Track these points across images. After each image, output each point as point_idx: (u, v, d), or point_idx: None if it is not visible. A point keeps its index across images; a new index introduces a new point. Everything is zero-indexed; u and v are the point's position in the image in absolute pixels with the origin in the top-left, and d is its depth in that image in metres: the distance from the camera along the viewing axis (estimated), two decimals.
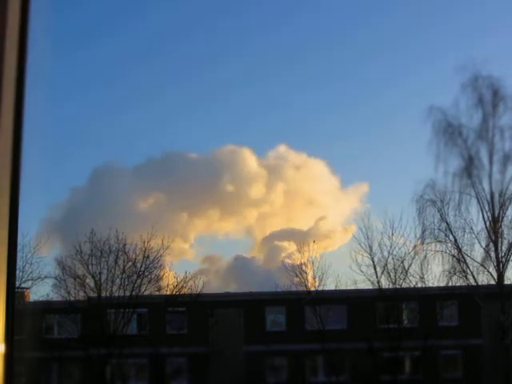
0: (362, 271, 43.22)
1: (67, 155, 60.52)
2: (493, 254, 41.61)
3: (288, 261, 46.85)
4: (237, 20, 67.57)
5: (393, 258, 43.25)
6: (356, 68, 68.90)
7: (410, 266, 42.80)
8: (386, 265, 43.26)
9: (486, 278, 41.65)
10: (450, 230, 42.05)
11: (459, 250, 41.80)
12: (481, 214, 41.75)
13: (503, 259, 41.61)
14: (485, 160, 41.45)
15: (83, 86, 66.12)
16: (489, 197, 41.50)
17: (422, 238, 42.36)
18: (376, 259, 43.43)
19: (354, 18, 67.91)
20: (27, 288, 41.81)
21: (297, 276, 44.64)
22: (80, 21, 59.64)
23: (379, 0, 65.72)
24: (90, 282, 43.09)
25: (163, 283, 44.25)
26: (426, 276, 42.54)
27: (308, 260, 45.18)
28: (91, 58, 64.80)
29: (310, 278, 44.92)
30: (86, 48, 64.38)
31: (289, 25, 68.10)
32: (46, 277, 42.48)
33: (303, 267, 44.93)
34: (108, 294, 43.02)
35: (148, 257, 43.38)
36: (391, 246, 43.40)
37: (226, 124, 67.15)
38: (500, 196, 41.59)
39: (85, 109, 64.78)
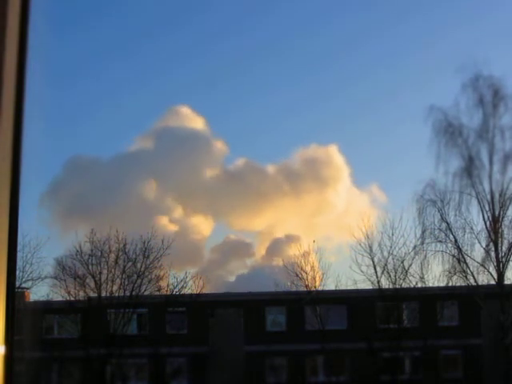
0: (362, 271, 43.25)
1: (69, 155, 60.68)
2: (493, 254, 41.60)
3: (288, 260, 46.73)
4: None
5: (393, 258, 43.26)
6: (356, 68, 68.93)
7: (410, 266, 42.81)
8: (386, 265, 43.25)
9: (486, 277, 41.67)
10: (451, 229, 42.05)
11: (459, 249, 41.79)
12: (481, 214, 41.78)
13: (503, 259, 41.60)
14: (485, 160, 41.49)
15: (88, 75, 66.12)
16: (489, 197, 41.50)
17: (422, 238, 42.35)
18: (376, 259, 43.45)
19: (354, 19, 67.91)
20: (27, 288, 41.80)
21: (297, 276, 44.62)
22: (78, 9, 59.56)
23: (381, 1, 65.70)
24: (90, 281, 43.09)
25: (163, 283, 44.24)
26: (426, 276, 42.55)
27: (309, 259, 45.17)
28: (96, 40, 64.80)
29: (310, 277, 44.90)
30: (86, 33, 64.29)
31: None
32: (46, 277, 42.53)
33: (303, 267, 44.89)
34: (108, 294, 42.98)
35: (148, 257, 43.36)
36: (391, 246, 43.40)
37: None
38: (500, 196, 41.59)
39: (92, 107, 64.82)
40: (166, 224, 56.63)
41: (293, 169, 63.54)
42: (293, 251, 46.57)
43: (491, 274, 41.54)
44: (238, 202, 63.30)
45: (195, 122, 61.85)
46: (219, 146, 62.27)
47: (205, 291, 45.31)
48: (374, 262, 43.39)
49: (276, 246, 59.10)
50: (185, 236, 58.88)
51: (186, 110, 62.35)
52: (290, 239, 55.36)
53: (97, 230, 43.43)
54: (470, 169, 41.49)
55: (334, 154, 61.63)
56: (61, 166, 67.39)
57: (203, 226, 62.29)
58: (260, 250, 64.39)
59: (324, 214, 66.44)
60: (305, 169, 64.03)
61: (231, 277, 59.39)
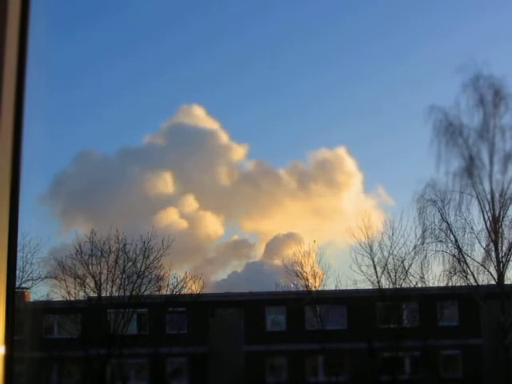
0: (362, 271, 43.26)
1: (70, 155, 60.83)
2: (493, 254, 41.59)
3: (289, 260, 46.71)
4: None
5: (393, 258, 43.26)
6: (356, 69, 68.94)
7: (410, 266, 42.81)
8: (386, 265, 43.25)
9: (486, 277, 41.66)
10: (451, 229, 42.04)
11: (459, 249, 41.78)
12: (481, 214, 41.75)
13: (503, 259, 41.59)
14: (485, 160, 41.42)
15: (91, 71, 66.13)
16: (489, 197, 41.48)
17: (423, 238, 42.34)
18: (376, 259, 43.45)
19: (355, 20, 67.93)
20: (27, 288, 41.80)
21: (297, 276, 44.62)
22: (80, 9, 59.56)
23: (381, 2, 65.74)
24: (90, 282, 43.11)
25: (163, 283, 44.22)
26: (426, 276, 42.54)
27: (308, 259, 45.16)
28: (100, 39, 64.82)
29: (310, 277, 44.89)
30: (88, 33, 64.29)
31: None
32: (46, 277, 42.54)
33: (303, 267, 44.89)
34: (108, 294, 42.99)
35: (148, 257, 43.36)
36: (391, 246, 43.40)
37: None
38: (500, 196, 41.56)
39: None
40: (175, 221, 56.86)
41: (304, 172, 63.54)
42: (293, 251, 46.58)
43: (491, 273, 41.55)
44: (249, 204, 63.35)
45: (205, 120, 61.99)
46: (233, 146, 62.31)
47: (205, 291, 45.36)
48: (374, 262, 43.46)
49: (275, 246, 59.12)
50: (193, 235, 59.09)
51: (197, 110, 62.48)
52: (290, 239, 55.41)
53: (98, 229, 43.59)
54: (470, 169, 41.46)
55: (345, 157, 61.60)
56: (61, 166, 67.52)
57: (213, 226, 62.29)
58: (261, 250, 64.44)
59: (332, 218, 66.16)
60: (316, 172, 64.07)
61: (224, 275, 59.47)
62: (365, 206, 54.50)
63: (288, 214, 64.50)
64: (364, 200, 61.52)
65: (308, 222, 64.31)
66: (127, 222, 50.98)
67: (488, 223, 41.74)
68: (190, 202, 59.81)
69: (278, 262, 54.11)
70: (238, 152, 64.35)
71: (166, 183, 59.97)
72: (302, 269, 44.68)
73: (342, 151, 62.23)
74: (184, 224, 58.74)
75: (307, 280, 44.60)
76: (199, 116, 62.22)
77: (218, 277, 57.97)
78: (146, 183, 59.03)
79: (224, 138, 61.52)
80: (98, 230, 43.66)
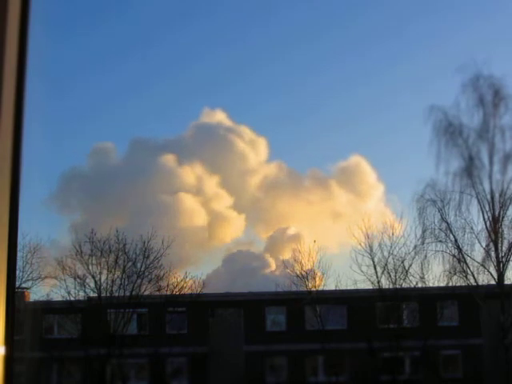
0: (362, 271, 43.27)
1: (71, 155, 60.74)
2: (493, 254, 41.60)
3: (289, 260, 46.70)
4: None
5: (393, 258, 43.27)
6: (355, 70, 68.96)
7: (410, 266, 42.82)
8: (386, 265, 43.26)
9: (486, 277, 41.67)
10: (451, 229, 42.04)
11: (459, 249, 41.79)
12: (481, 214, 41.76)
13: (503, 259, 41.59)
14: (485, 160, 41.43)
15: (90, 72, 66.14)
16: (489, 197, 41.48)
17: (423, 238, 42.35)
18: (376, 259, 43.46)
19: (355, 21, 67.97)
20: (27, 288, 41.81)
21: (297, 276, 44.60)
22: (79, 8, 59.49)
23: (382, 2, 65.80)
24: (90, 281, 43.12)
25: (163, 283, 44.20)
26: (426, 276, 42.56)
27: (308, 260, 45.14)
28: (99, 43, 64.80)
29: (310, 277, 44.86)
30: (87, 34, 64.29)
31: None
32: (46, 277, 42.54)
33: (303, 267, 44.87)
34: (108, 294, 42.98)
35: (148, 257, 43.35)
36: (391, 246, 43.41)
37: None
38: (500, 196, 41.56)
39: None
40: (181, 222, 56.88)
41: (324, 180, 63.52)
42: (293, 251, 46.57)
43: (491, 273, 41.56)
44: (270, 208, 63.20)
45: (212, 119, 62.00)
46: (255, 150, 62.15)
47: (205, 291, 45.36)
48: (374, 262, 43.47)
49: (276, 245, 59.10)
50: (207, 237, 59.17)
51: (218, 113, 62.50)
52: (291, 238, 55.40)
53: (102, 227, 43.71)
54: (470, 169, 41.46)
55: (362, 165, 61.38)
56: (62, 166, 67.52)
57: (221, 226, 62.08)
58: (262, 251, 64.26)
59: (340, 222, 65.91)
60: (336, 180, 63.98)
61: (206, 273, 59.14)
62: (379, 210, 54.27)
63: (303, 220, 64.30)
64: (374, 203, 61.40)
65: (318, 226, 64.12)
66: (131, 221, 51.06)
67: (488, 223, 41.75)
68: (207, 200, 59.74)
69: (276, 262, 54.18)
70: (262, 155, 63.91)
71: (178, 181, 59.94)
72: (302, 269, 44.71)
73: (358, 159, 61.82)
74: (191, 223, 58.71)
75: (307, 280, 44.62)
76: (219, 118, 62.35)
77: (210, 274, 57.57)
78: (151, 182, 59.06)
79: (236, 138, 61.52)
80: (102, 228, 43.83)
